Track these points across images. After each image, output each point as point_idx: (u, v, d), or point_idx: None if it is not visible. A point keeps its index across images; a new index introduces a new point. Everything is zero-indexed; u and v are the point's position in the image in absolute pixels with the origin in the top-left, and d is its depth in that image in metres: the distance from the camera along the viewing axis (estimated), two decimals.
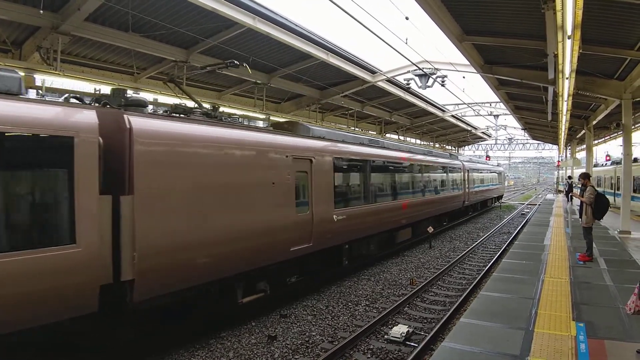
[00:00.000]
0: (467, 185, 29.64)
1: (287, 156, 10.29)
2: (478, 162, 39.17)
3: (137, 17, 12.60)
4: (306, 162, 11.10)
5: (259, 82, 19.67)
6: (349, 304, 11.23)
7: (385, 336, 9.04)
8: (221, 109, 10.68)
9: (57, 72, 12.83)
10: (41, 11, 11.03)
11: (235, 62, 9.94)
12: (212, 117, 9.35)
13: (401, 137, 40.15)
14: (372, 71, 21.83)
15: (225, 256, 8.40)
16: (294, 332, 9.22)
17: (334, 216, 12.07)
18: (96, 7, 11.77)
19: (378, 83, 22.77)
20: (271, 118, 21.38)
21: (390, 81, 23.72)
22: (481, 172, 36.37)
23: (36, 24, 12.46)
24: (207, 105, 10.50)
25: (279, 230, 9.86)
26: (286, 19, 15.12)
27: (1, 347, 5.76)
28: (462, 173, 28.87)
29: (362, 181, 14.63)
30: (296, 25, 15.69)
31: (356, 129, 31.16)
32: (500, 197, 47.06)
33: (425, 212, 20.54)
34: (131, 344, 7.80)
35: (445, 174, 24.96)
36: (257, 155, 9.46)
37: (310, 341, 8.77)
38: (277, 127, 13.03)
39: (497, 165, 55.54)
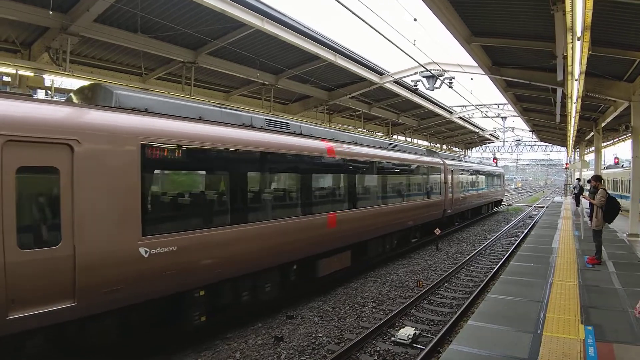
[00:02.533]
0: (450, 190, 23.85)
1: None
2: (469, 162, 33.34)
3: (146, 18, 12.65)
4: (49, 150, 6.04)
5: (266, 83, 19.78)
6: (356, 305, 11.20)
7: (392, 338, 9.01)
8: None
9: (65, 73, 12.93)
10: (50, 12, 11.17)
11: None
12: None
13: (408, 139, 40.05)
14: (379, 72, 21.81)
15: None
16: (300, 334, 9.21)
17: (143, 250, 6.98)
18: (105, 9, 11.83)
19: (385, 84, 22.73)
20: None
21: (397, 82, 23.68)
22: (472, 174, 30.55)
23: (45, 25, 12.55)
24: None
25: None
26: (294, 20, 15.13)
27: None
28: (443, 174, 22.86)
29: (225, 184, 9.02)
30: (304, 27, 15.69)
31: (364, 130, 31.14)
32: (500, 202, 42.93)
33: (376, 227, 14.80)
34: (137, 345, 7.82)
35: (413, 175, 19.04)
36: None
37: (317, 342, 8.76)
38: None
39: (497, 166, 49.46)
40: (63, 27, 12.39)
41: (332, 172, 12.94)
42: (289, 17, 14.84)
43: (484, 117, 40.18)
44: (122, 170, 6.82)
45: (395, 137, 37.90)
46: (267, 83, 19.97)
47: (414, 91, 25.48)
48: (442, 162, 22.98)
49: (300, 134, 11.64)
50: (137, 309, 7.28)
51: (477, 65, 16.83)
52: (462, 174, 27.20)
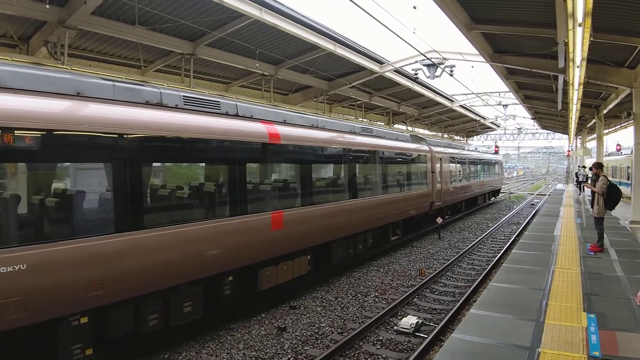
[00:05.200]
0: (438, 180, 21.47)
1: None
2: (461, 148, 30.67)
3: (144, 10, 12.57)
4: None
5: (266, 73, 19.70)
6: (358, 295, 11.23)
7: (395, 327, 9.04)
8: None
9: (64, 67, 12.85)
10: (47, 6, 11.09)
11: None
12: None
13: (409, 128, 39.94)
14: (379, 62, 21.70)
15: None
16: (303, 324, 9.24)
17: None
18: (102, 1, 11.74)
19: (386, 73, 22.64)
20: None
21: (398, 71, 23.58)
22: (465, 162, 27.91)
23: (43, 19, 12.46)
24: None
25: None
26: (293, 10, 15.02)
27: None
28: (430, 163, 20.48)
29: (108, 179, 6.91)
30: (303, 16, 15.60)
31: (364, 120, 31.05)
32: (497, 192, 40.90)
33: (340, 226, 12.57)
34: (140, 337, 7.83)
35: (392, 164, 16.68)
36: None
37: (320, 332, 8.80)
38: None
39: (496, 154, 47.07)
40: (60, 20, 12.29)
41: (278, 162, 10.88)
42: (287, 7, 14.72)
43: (485, 105, 40.04)
44: None
45: (396, 126, 37.79)
46: (266, 74, 19.88)
47: (415, 80, 25.38)
48: (428, 149, 20.72)
49: (236, 116, 9.54)
50: None
51: (477, 52, 16.72)
52: (453, 162, 24.84)
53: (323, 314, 9.86)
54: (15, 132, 5.68)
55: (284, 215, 10.14)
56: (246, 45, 16.29)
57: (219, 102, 9.29)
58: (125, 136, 6.97)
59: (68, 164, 6.70)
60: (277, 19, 14.61)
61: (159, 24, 13.85)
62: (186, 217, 8.02)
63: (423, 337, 8.45)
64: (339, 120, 16.00)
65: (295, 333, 8.73)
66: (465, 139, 61.39)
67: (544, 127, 55.82)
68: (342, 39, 18.26)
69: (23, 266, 5.59)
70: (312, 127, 12.24)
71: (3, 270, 5.42)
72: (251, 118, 9.94)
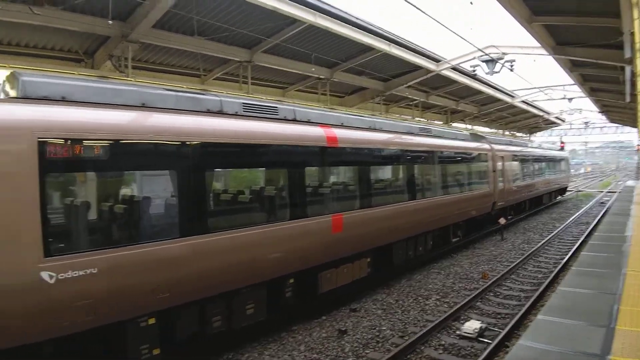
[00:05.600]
0: (500, 179, 20.72)
1: None
2: (524, 146, 29.64)
3: (202, 21, 12.99)
4: None
5: (321, 77, 19.84)
6: (419, 298, 11.08)
7: (457, 332, 8.86)
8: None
9: (128, 79, 13.46)
10: (110, 21, 11.66)
11: None
12: None
13: (468, 126, 38.96)
14: (436, 60, 21.32)
15: None
16: (364, 327, 9.22)
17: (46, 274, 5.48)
18: (162, 15, 12.22)
19: (442, 72, 22.17)
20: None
21: (455, 69, 23.06)
22: (528, 160, 26.95)
23: (106, 34, 13.14)
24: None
25: None
26: (346, 13, 15.06)
27: None
28: (491, 161, 19.87)
29: (174, 185, 7.28)
30: (357, 18, 15.60)
31: (422, 119, 30.58)
32: (564, 190, 39.03)
33: (399, 228, 12.44)
34: (205, 338, 8.06)
35: (452, 164, 16.61)
36: None
37: (381, 336, 8.75)
38: None
39: (561, 150, 44.76)
40: (123, 35, 12.91)
41: (337, 165, 11.20)
42: (340, 10, 14.79)
43: (549, 99, 38.39)
44: (9, 175, 5.37)
45: (454, 125, 36.98)
46: (322, 77, 20.01)
47: (473, 77, 24.71)
48: (489, 147, 20.16)
49: (294, 120, 9.71)
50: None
51: (539, 45, 16.09)
52: (515, 160, 24.14)
53: (383, 317, 9.79)
54: (84, 142, 6.00)
55: (344, 218, 10.15)
56: (301, 50, 16.50)
57: (277, 107, 9.45)
58: (188, 144, 7.24)
59: (134, 171, 7.08)
60: (331, 22, 14.68)
61: (216, 34, 14.27)
62: (247, 222, 8.25)
63: (487, 342, 8.23)
64: (396, 121, 16.00)
65: (355, 336, 8.73)
66: (528, 135, 59.18)
67: (612, 121, 52.95)
68: (397, 39, 18.09)
69: (94, 270, 5.84)
70: (369, 129, 12.17)
71: (75, 274, 5.66)
72: (309, 122, 10.06)
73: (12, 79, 6.20)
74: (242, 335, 8.60)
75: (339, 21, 14.96)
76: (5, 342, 5.31)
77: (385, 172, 13.07)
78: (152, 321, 6.70)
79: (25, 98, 5.86)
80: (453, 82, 25.12)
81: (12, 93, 6.03)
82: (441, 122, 34.62)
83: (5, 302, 5.17)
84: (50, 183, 5.85)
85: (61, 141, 5.80)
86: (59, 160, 5.81)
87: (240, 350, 8.17)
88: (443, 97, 30.05)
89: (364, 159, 11.54)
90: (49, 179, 5.73)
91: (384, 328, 9.16)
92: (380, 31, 17.02)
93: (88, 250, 5.99)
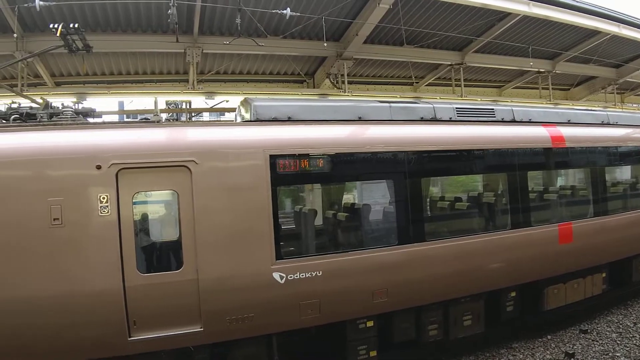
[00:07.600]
0: None
1: None
2: None
3: (409, 30, 13.34)
4: (164, 174, 6.04)
5: (541, 70, 18.49)
6: None
7: None
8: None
9: (345, 94, 14.53)
10: (325, 44, 12.73)
11: None
12: None
13: None
14: None
15: None
16: (594, 351, 8.17)
17: (277, 275, 6.22)
18: (371, 30, 12.95)
19: None
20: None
21: None
22: None
23: (323, 55, 14.56)
24: None
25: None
26: None
27: None
28: None
29: (394, 193, 7.41)
30: (576, 1, 14.27)
31: None
32: None
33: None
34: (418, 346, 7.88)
35: None
36: None
37: None
38: None
39: None
40: (338, 54, 14.15)
41: (564, 168, 10.24)
42: None
43: None
44: (247, 187, 6.20)
45: None
46: (542, 70, 18.59)
47: None
48: None
49: (513, 121, 9.03)
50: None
51: None
52: None
53: (619, 342, 8.53)
54: (309, 156, 6.63)
55: (574, 227, 9.00)
56: (516, 45, 15.70)
57: (493, 109, 8.97)
58: (402, 153, 7.36)
59: (353, 182, 7.66)
60: (548, 9, 13.71)
61: (425, 41, 14.49)
62: (464, 230, 8.09)
63: None
64: (634, 113, 13.69)
65: None
66: None
67: None
68: (627, 18, 16.09)
69: (319, 273, 6.37)
70: (602, 124, 10.56)
71: (303, 276, 6.28)
72: (530, 122, 9.26)
73: (246, 104, 7.11)
74: (457, 346, 8.27)
75: (556, 7, 13.88)
76: (248, 332, 6.19)
77: (623, 174, 11.33)
78: (370, 324, 6.99)
79: (257, 120, 6.73)
80: None
81: (247, 116, 6.98)
82: None
83: (248, 298, 6.02)
84: (280, 193, 6.56)
85: (288, 156, 6.47)
86: (286, 173, 6.48)
87: None
88: None
89: (596, 159, 10.04)
90: (278, 190, 6.45)
91: (618, 354, 7.98)
92: (606, 11, 15.32)
93: (314, 254, 6.61)
